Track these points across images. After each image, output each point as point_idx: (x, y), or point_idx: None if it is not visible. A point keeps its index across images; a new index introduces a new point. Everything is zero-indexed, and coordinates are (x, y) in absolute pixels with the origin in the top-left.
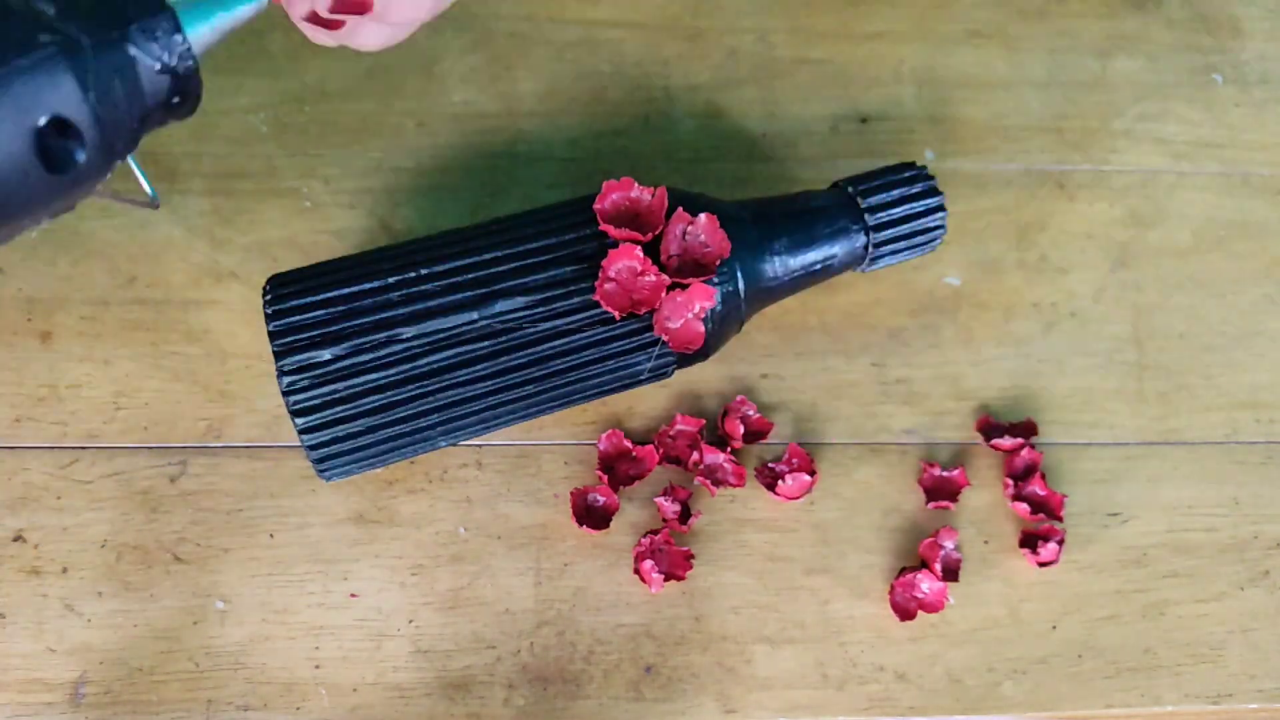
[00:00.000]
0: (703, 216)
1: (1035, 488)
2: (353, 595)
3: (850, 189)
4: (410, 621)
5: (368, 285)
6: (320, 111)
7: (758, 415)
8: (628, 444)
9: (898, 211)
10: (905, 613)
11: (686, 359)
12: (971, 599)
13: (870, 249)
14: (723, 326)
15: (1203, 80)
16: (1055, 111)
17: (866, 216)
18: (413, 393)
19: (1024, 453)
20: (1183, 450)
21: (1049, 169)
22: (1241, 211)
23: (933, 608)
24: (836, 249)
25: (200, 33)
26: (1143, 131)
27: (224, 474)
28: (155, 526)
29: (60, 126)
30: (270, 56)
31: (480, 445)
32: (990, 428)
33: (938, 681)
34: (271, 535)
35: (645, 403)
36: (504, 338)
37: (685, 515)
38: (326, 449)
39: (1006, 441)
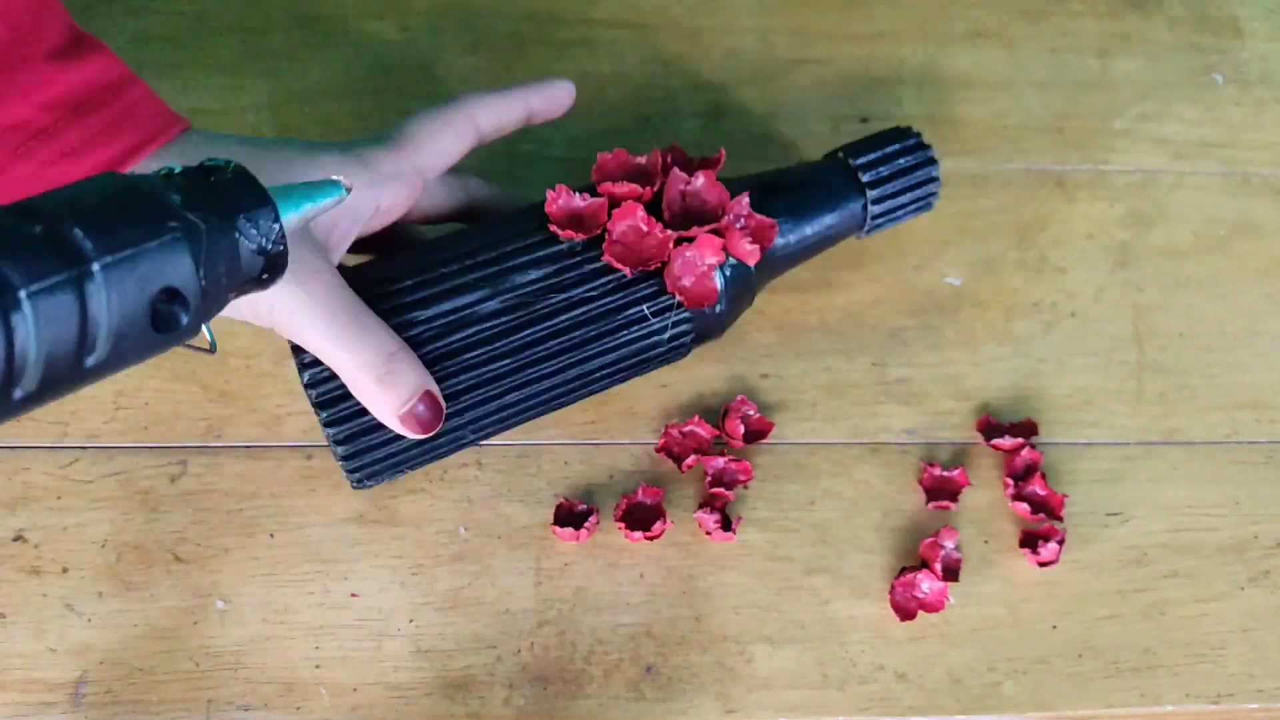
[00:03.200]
0: (700, 174)
1: (1035, 487)
2: (353, 595)
3: (844, 155)
4: (410, 621)
5: (388, 287)
6: (320, 111)
7: (758, 415)
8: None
9: (888, 170)
10: (905, 613)
11: (701, 335)
12: (972, 599)
13: (869, 211)
14: (736, 298)
15: (1203, 80)
16: (1055, 111)
17: (862, 178)
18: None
19: (1024, 453)
20: (1183, 450)
21: (1049, 169)
22: (1242, 211)
23: (933, 608)
24: (835, 215)
25: (290, 220)
26: (1143, 131)
27: (224, 474)
28: (155, 526)
29: (171, 295)
30: (270, 56)
31: (480, 445)
32: (990, 428)
33: (938, 681)
34: (272, 535)
35: (646, 403)
36: (520, 312)
37: (727, 524)
38: (360, 458)
39: (1007, 441)
